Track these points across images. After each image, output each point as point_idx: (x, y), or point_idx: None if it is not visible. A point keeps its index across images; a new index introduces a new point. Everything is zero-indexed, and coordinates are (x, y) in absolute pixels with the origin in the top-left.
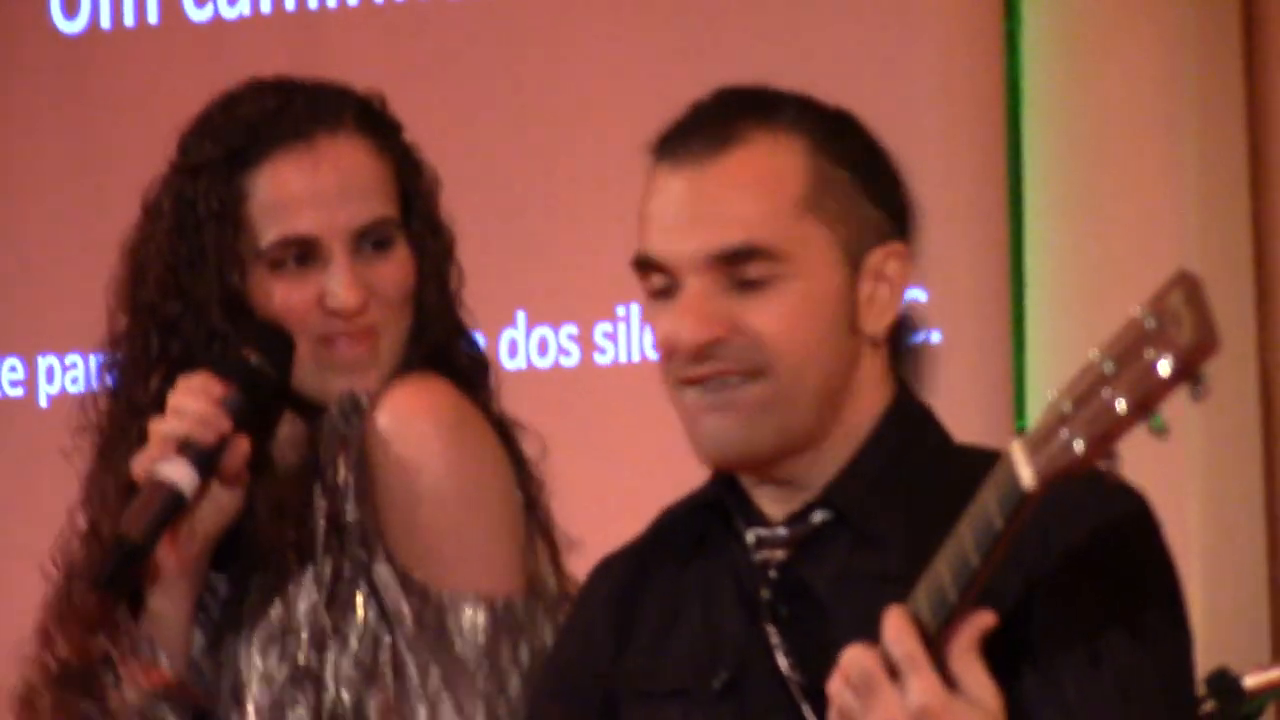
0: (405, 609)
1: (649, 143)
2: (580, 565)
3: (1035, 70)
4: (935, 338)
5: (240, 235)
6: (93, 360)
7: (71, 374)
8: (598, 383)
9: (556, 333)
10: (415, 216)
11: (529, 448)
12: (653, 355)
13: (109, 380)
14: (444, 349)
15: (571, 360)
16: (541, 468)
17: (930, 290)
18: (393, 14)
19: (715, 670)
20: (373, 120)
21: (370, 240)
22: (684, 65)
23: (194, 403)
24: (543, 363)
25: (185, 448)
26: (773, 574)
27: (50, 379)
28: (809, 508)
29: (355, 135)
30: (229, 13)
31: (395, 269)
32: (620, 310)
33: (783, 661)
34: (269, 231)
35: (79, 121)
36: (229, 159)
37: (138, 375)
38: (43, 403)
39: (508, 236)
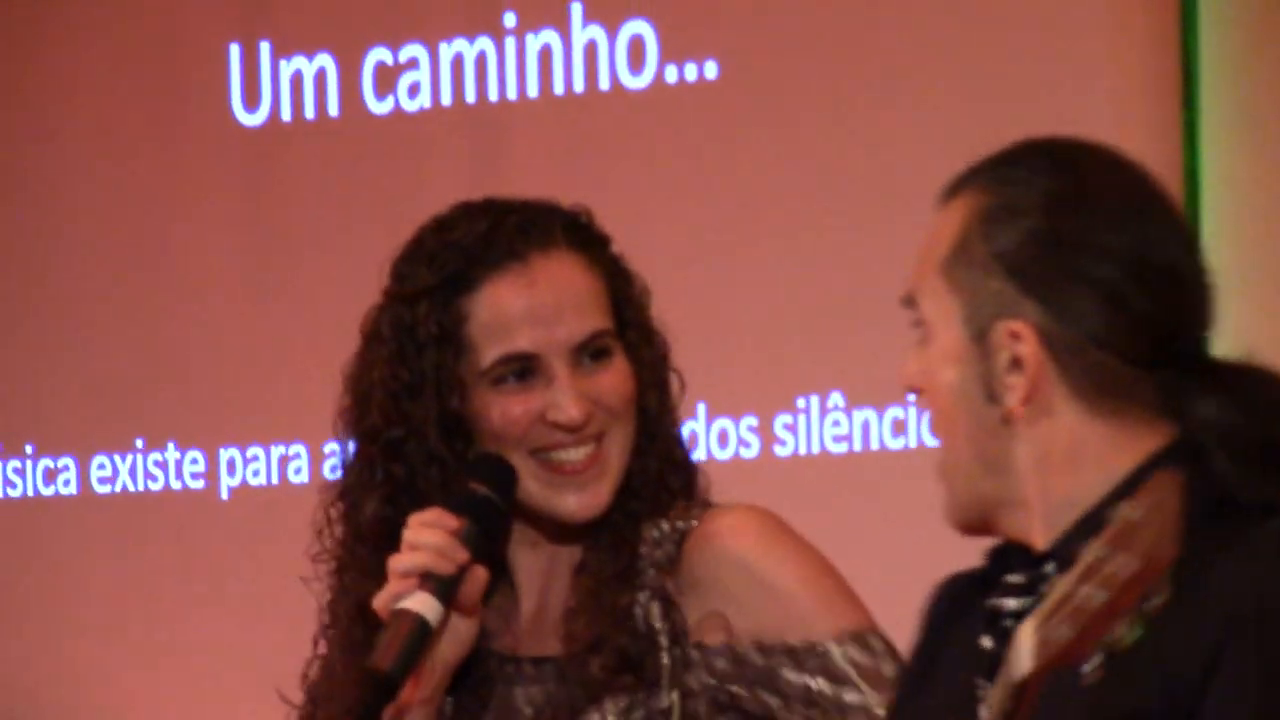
0: (809, 680)
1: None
2: None
3: (1212, 140)
4: None
5: (461, 358)
6: (274, 452)
7: (253, 466)
8: (777, 474)
9: (737, 424)
10: (629, 325)
11: None
12: (832, 447)
13: (341, 507)
14: (670, 456)
15: (751, 452)
16: None
17: None
18: (573, 107)
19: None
20: (582, 235)
21: (588, 352)
22: (855, 152)
23: (431, 536)
24: (723, 454)
25: (426, 580)
26: (1007, 623)
27: (231, 472)
28: (1042, 559)
29: (567, 252)
30: (409, 105)
31: (615, 377)
32: (800, 402)
33: (984, 714)
34: (490, 352)
35: (259, 214)
36: (446, 284)
37: (365, 501)
38: (224, 495)
39: (688, 328)
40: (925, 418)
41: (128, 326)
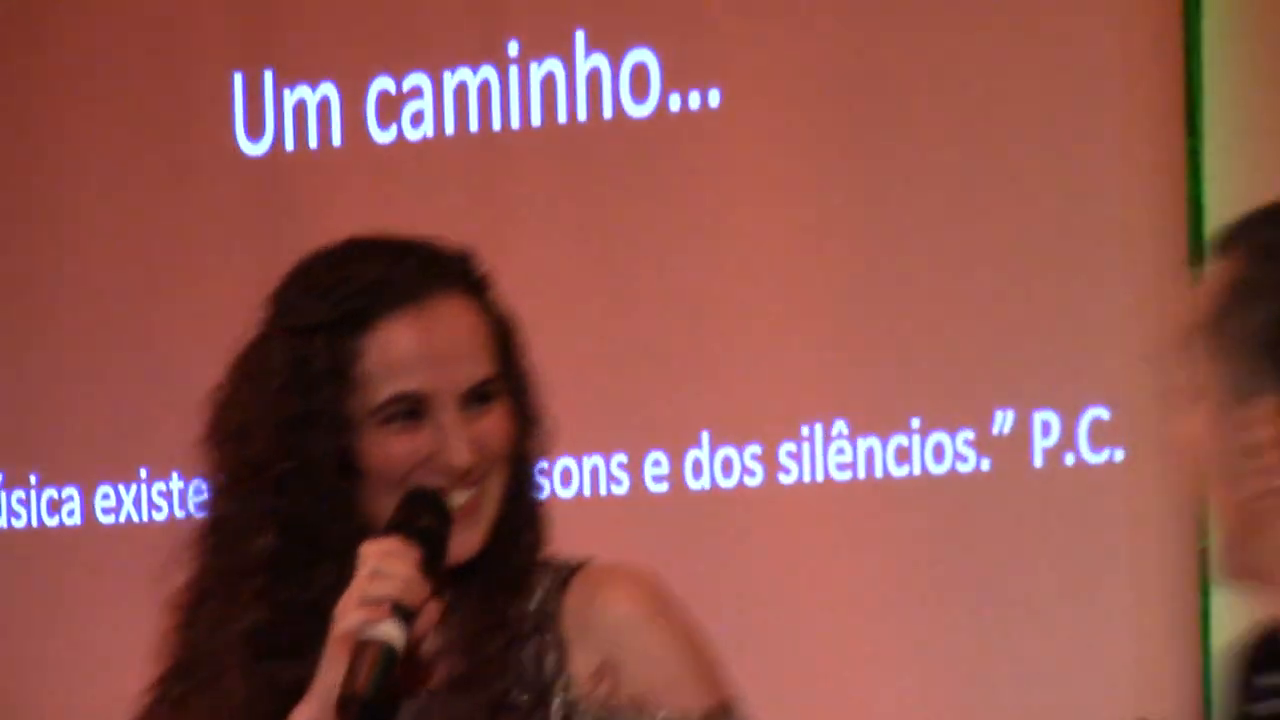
0: None
1: None
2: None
3: (1216, 176)
4: (1119, 456)
5: (352, 395)
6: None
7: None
8: (782, 502)
9: (740, 453)
10: (511, 370)
11: None
12: (836, 475)
13: (213, 540)
14: (537, 500)
15: (756, 480)
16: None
17: (1112, 408)
18: (577, 135)
19: None
20: (475, 279)
21: (475, 397)
22: (859, 180)
23: (401, 566)
24: (727, 483)
25: (396, 609)
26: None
27: None
28: None
29: (461, 295)
30: (412, 134)
31: (497, 423)
32: (805, 430)
33: None
34: (382, 390)
35: (264, 243)
36: (343, 320)
37: (252, 533)
38: None
39: (690, 356)
40: (929, 445)
41: (132, 356)
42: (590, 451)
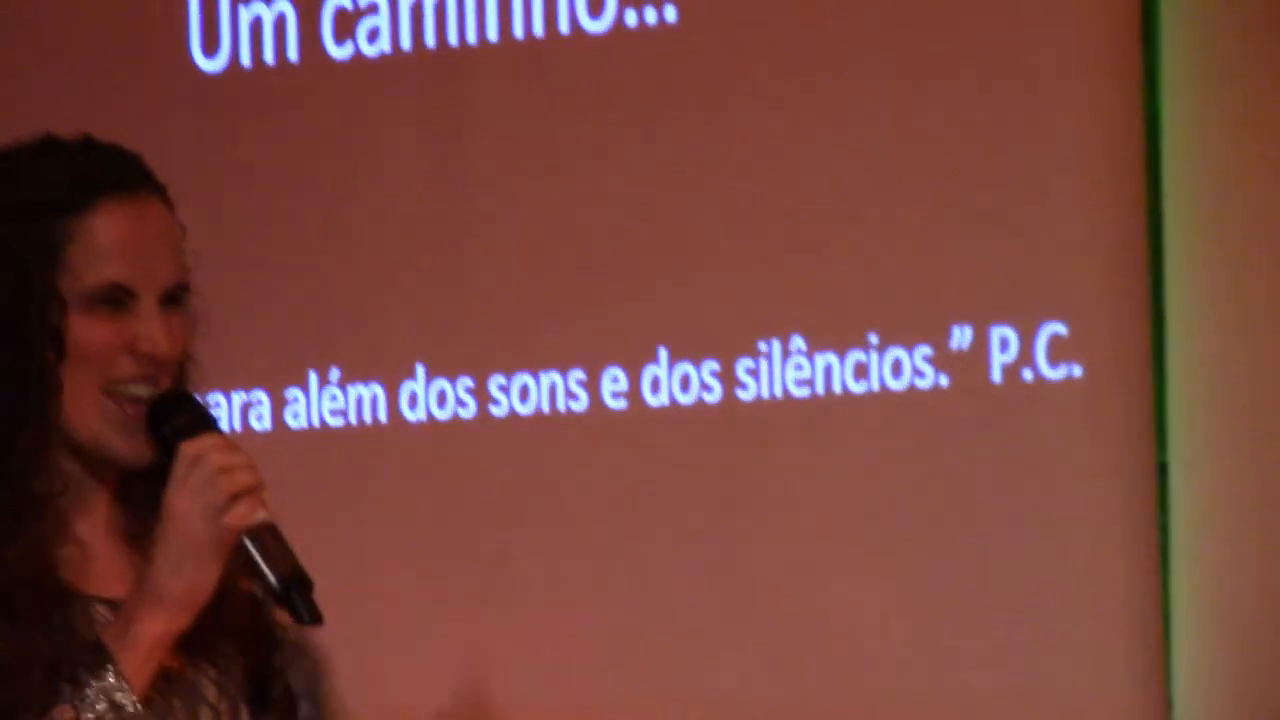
0: None
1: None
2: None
3: (1174, 93)
4: (1077, 372)
5: (62, 275)
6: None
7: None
8: (739, 419)
9: (698, 369)
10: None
11: None
12: (794, 391)
13: None
14: None
15: (714, 396)
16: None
17: (1070, 324)
18: (533, 50)
19: None
20: (164, 190)
21: (170, 298)
22: (813, 96)
23: (241, 457)
24: (685, 399)
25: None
26: None
27: None
28: None
29: (162, 200)
30: (369, 50)
31: (183, 327)
32: (763, 346)
33: None
34: (92, 275)
35: (219, 160)
36: (52, 203)
37: None
38: None
39: (647, 272)
40: (887, 361)
41: None
42: (548, 368)
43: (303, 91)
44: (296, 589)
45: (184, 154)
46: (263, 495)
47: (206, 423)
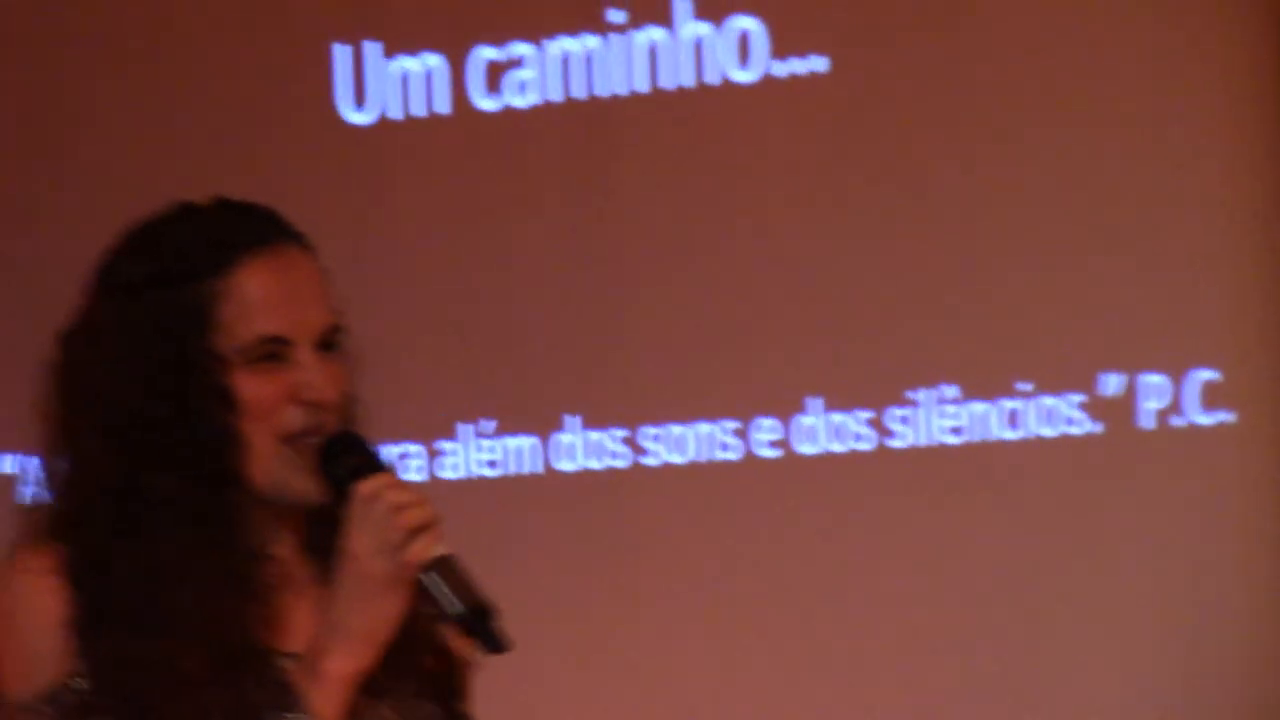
0: None
1: None
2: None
3: None
4: (1230, 418)
5: (217, 335)
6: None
7: None
8: (891, 467)
9: (852, 418)
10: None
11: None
12: (946, 439)
13: (86, 479)
14: None
15: (867, 445)
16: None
17: (1223, 371)
18: (682, 102)
19: None
20: (304, 237)
21: (325, 343)
22: (964, 145)
23: (413, 493)
24: (838, 447)
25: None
26: None
27: None
28: None
29: (302, 249)
30: (519, 102)
31: (342, 371)
32: (915, 395)
33: None
34: (245, 331)
35: (367, 213)
36: (202, 266)
37: (130, 476)
38: None
39: (800, 322)
40: (1039, 409)
41: None
42: (700, 418)
43: (452, 143)
44: (482, 618)
45: (334, 206)
46: (439, 529)
47: (377, 462)
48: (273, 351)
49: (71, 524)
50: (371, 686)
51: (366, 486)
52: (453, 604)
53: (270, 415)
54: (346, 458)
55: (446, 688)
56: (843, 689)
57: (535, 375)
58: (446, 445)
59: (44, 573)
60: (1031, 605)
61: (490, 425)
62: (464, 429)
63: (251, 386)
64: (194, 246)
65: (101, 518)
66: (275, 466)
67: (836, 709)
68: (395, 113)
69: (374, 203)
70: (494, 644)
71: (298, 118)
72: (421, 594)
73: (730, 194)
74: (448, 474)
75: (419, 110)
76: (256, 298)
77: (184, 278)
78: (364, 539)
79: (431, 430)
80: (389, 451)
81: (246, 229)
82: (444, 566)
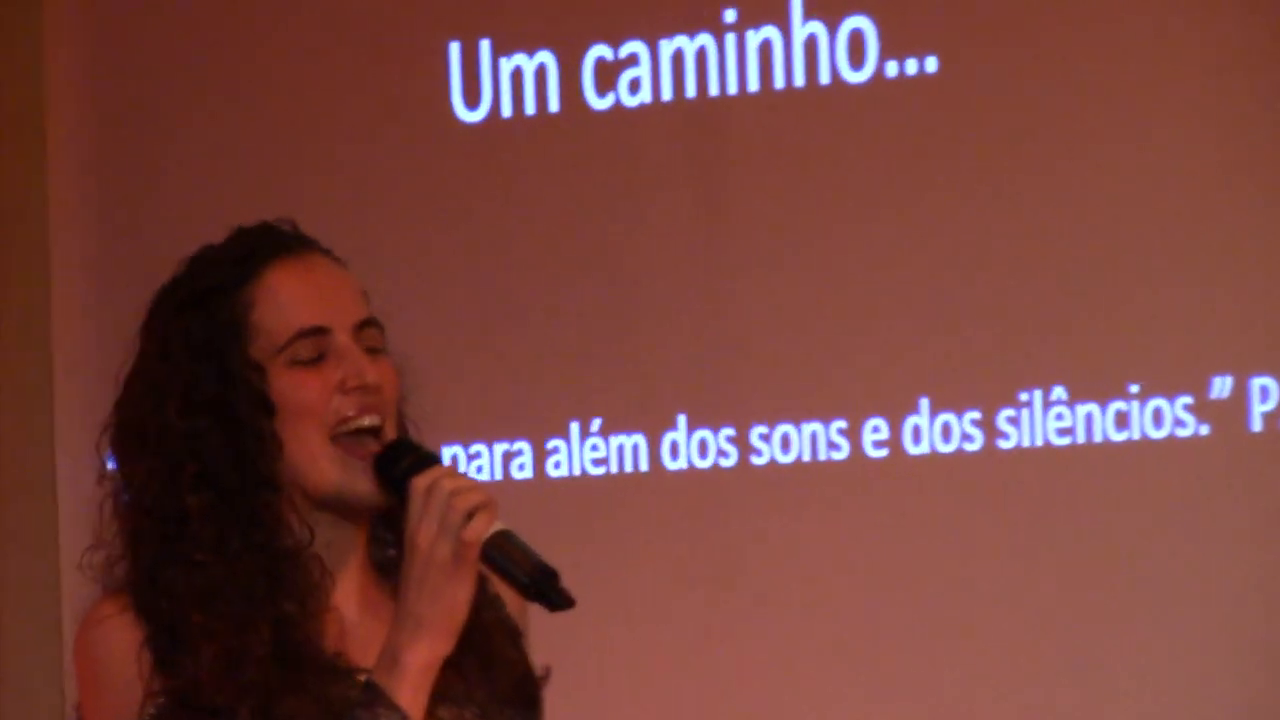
0: None
1: None
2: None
3: None
4: None
5: (253, 342)
6: (458, 454)
7: (476, 463)
8: (1000, 468)
9: (960, 419)
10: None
11: None
12: (1055, 440)
13: (144, 518)
14: None
15: (974, 446)
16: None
17: None
18: (794, 101)
19: None
20: (334, 253)
21: (366, 341)
22: (1077, 144)
23: (468, 480)
24: (946, 448)
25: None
26: None
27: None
28: None
29: (330, 256)
30: (630, 100)
31: (389, 371)
32: (1024, 396)
33: None
34: (282, 331)
35: (478, 211)
36: (225, 283)
37: (176, 499)
38: None
39: (909, 322)
40: (1148, 411)
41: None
42: (809, 418)
43: (563, 141)
44: (544, 581)
45: (446, 204)
46: (494, 508)
47: (428, 460)
48: (312, 350)
49: (132, 561)
50: (453, 691)
51: (421, 480)
52: (517, 572)
53: (317, 412)
54: (401, 461)
55: (525, 695)
56: (954, 687)
57: (644, 373)
58: (554, 444)
59: (116, 614)
60: (1138, 604)
61: (598, 424)
62: (573, 427)
63: (294, 386)
64: (220, 265)
65: (152, 543)
66: (329, 468)
67: (952, 706)
68: (506, 110)
69: (485, 200)
70: (559, 602)
71: (411, 115)
72: (487, 569)
73: (841, 194)
74: (557, 473)
75: (530, 108)
76: (287, 297)
77: (215, 294)
78: (425, 528)
79: (540, 428)
80: (490, 452)
81: (268, 241)
82: (504, 540)
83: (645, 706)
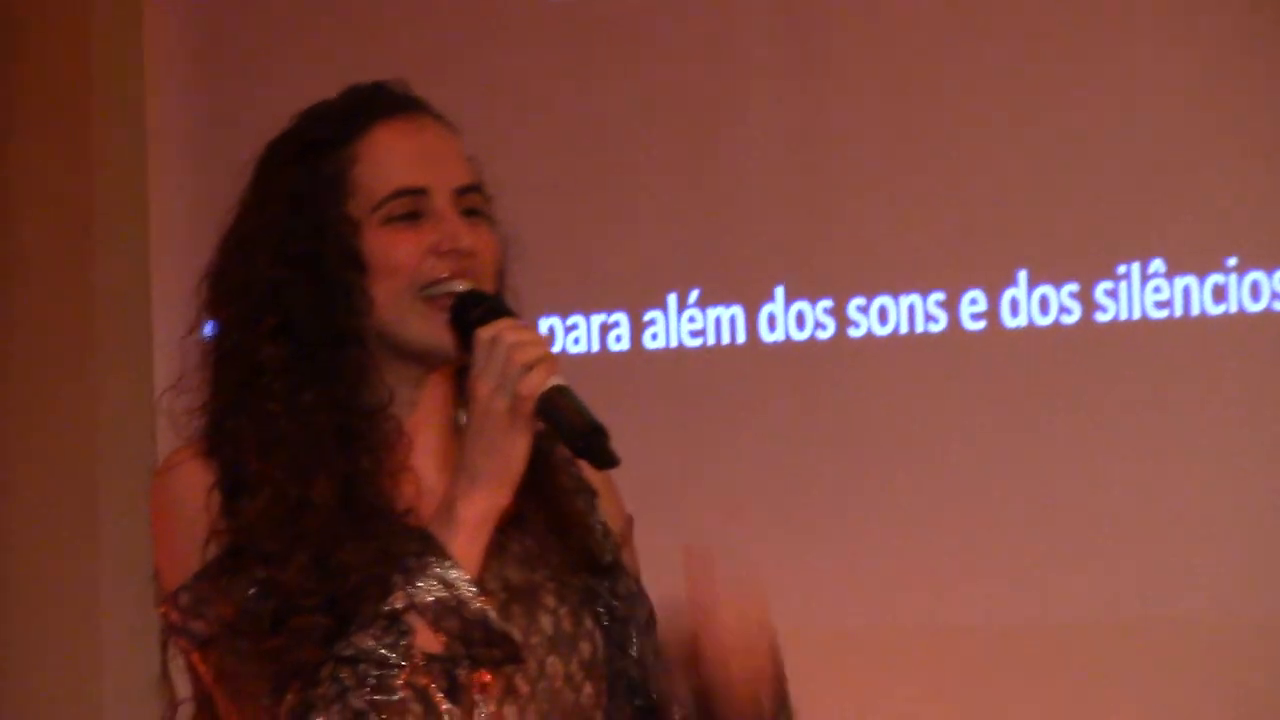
0: None
1: None
2: None
3: None
4: None
5: (353, 198)
6: (594, 320)
7: (573, 334)
8: (1097, 341)
9: (1058, 291)
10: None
11: None
12: (1152, 314)
13: (226, 366)
14: None
15: (1072, 318)
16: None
17: None
18: None
19: None
20: (444, 117)
21: (466, 206)
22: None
23: (533, 333)
24: (1044, 320)
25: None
26: None
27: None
28: None
29: (438, 118)
30: None
31: (489, 238)
32: (1121, 269)
33: None
34: (382, 188)
35: (574, 87)
36: (331, 136)
37: (248, 345)
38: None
39: (1008, 195)
40: (1245, 284)
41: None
42: (907, 290)
43: (660, 14)
44: (593, 438)
45: (538, 81)
46: (553, 363)
47: (500, 310)
48: (409, 208)
49: (208, 403)
50: (528, 557)
51: (486, 331)
52: (567, 427)
53: (408, 271)
54: (473, 310)
55: (599, 558)
56: (1054, 558)
57: (742, 245)
58: (652, 315)
59: (190, 468)
60: (1237, 475)
61: (695, 295)
62: (670, 299)
63: (388, 244)
64: (327, 120)
65: (226, 391)
66: (412, 320)
67: (1055, 584)
68: None
69: (584, 77)
70: (605, 460)
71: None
72: (541, 421)
73: (941, 65)
74: (654, 345)
75: None
76: (389, 155)
77: (319, 148)
78: (485, 379)
79: (638, 300)
80: (588, 323)
81: (379, 99)
82: (558, 395)
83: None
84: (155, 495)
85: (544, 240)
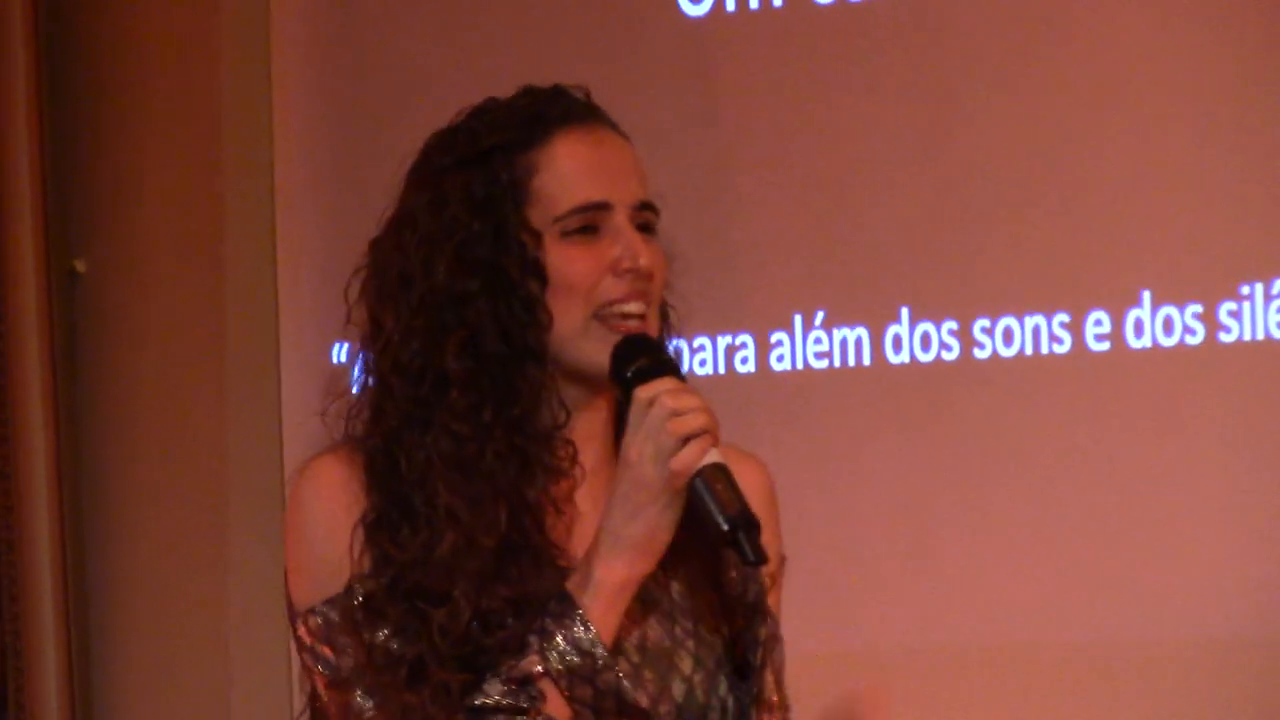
0: None
1: None
2: None
3: None
4: None
5: (532, 208)
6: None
7: (699, 356)
8: (1219, 362)
9: (1182, 312)
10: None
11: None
12: (1277, 334)
13: (398, 376)
14: None
15: (1196, 339)
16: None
17: None
18: None
19: None
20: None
21: (641, 222)
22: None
23: (695, 400)
24: (1168, 342)
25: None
26: None
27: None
28: None
29: (616, 129)
30: None
31: (660, 257)
32: (1245, 289)
33: None
34: (562, 201)
35: (703, 105)
36: (514, 141)
37: (436, 360)
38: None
39: (1132, 215)
40: None
41: None
42: (1032, 311)
43: (786, 35)
44: (743, 529)
45: (670, 99)
46: (712, 437)
47: (664, 366)
48: (589, 223)
49: (372, 419)
50: (671, 616)
51: (645, 391)
52: (716, 514)
53: (586, 289)
54: (635, 359)
55: (752, 619)
56: (1177, 577)
57: (867, 266)
58: (778, 336)
59: (334, 478)
60: None
61: (821, 316)
62: (796, 319)
63: (567, 260)
64: (508, 124)
65: (398, 406)
66: (585, 344)
67: (1181, 598)
68: (730, 4)
69: (709, 95)
70: (752, 557)
71: (637, 9)
72: (693, 501)
73: (1064, 87)
74: (780, 366)
75: (754, 3)
76: (573, 167)
77: (498, 152)
78: (639, 444)
79: (764, 321)
80: (714, 345)
81: (561, 106)
82: (713, 476)
83: (864, 599)
84: (295, 494)
85: (671, 261)
